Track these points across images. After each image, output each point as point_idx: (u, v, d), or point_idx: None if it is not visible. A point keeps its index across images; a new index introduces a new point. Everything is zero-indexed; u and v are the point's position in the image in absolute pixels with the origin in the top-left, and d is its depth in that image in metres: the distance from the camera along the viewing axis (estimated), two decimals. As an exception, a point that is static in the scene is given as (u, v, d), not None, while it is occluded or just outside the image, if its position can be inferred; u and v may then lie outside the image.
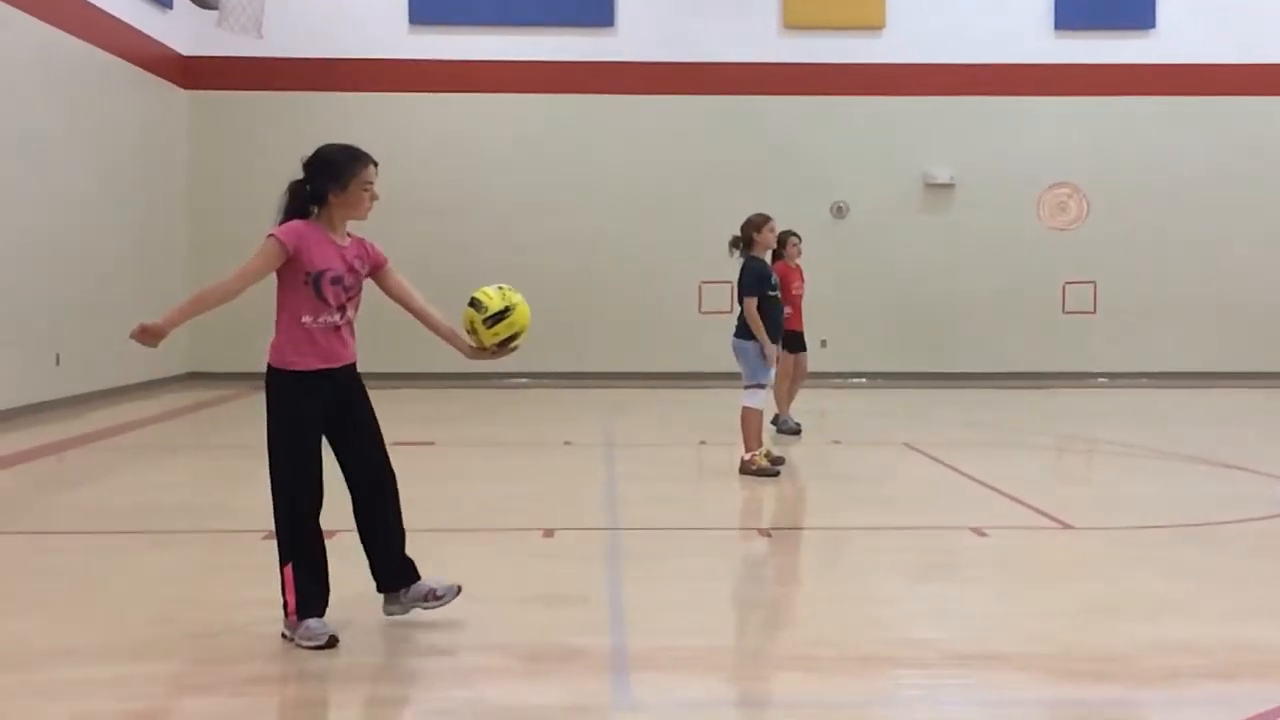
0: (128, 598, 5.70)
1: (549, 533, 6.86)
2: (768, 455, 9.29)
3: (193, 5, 15.09)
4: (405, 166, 16.69)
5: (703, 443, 10.99)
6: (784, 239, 11.68)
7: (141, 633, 5.07)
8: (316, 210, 4.93)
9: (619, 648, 4.91)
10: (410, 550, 5.16)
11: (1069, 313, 17.83)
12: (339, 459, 5.06)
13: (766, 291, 9.06)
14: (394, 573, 5.11)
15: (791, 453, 10.63)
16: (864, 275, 17.58)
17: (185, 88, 17.32)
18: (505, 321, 5.01)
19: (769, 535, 7.50)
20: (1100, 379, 17.47)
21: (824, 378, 15.81)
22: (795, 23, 17.52)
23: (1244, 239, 17.57)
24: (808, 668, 4.75)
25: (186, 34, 17.00)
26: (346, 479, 5.06)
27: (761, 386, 9.09)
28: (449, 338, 5.19)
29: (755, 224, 9.20)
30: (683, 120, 17.54)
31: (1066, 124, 17.58)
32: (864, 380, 17.27)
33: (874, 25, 17.53)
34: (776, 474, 9.11)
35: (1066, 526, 7.41)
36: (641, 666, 4.69)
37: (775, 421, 11.64)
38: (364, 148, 5.09)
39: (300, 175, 4.97)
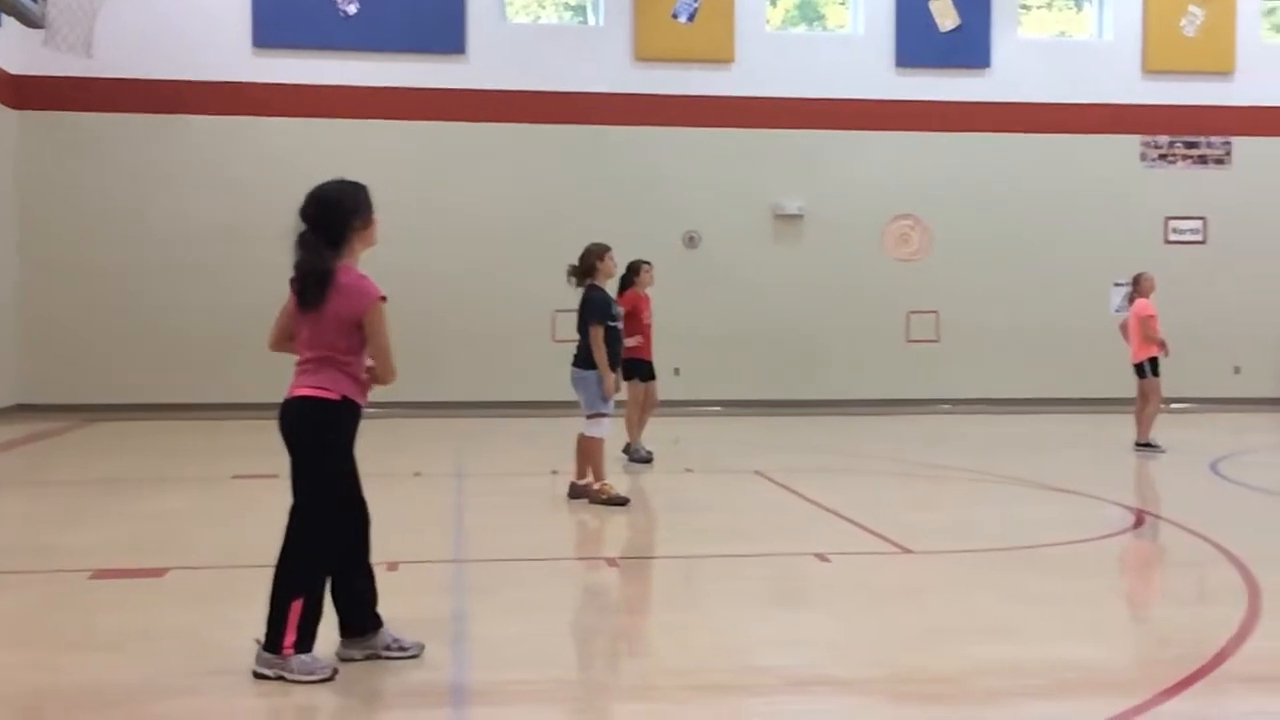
0: (-61, 644, 5.40)
1: (393, 566, 6.71)
2: (602, 488, 9.24)
3: (21, 24, 14.52)
4: (250, 192, 16.33)
5: (554, 472, 10.92)
6: (636, 267, 11.75)
7: (-48, 681, 4.81)
8: (335, 253, 4.89)
9: (458, 683, 4.84)
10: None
11: (913, 341, 18.32)
12: None
13: (608, 321, 9.09)
14: (371, 613, 5.08)
15: (643, 481, 10.67)
16: (716, 304, 17.78)
17: (14, 108, 16.64)
18: None
19: (616, 565, 7.49)
20: (944, 405, 17.97)
21: (677, 406, 15.91)
22: (647, 55, 17.70)
23: (1075, 270, 18.29)
24: (651, 698, 4.75)
25: (16, 52, 16.33)
26: None
27: (604, 415, 9.10)
28: None
29: (596, 253, 9.23)
30: (535, 149, 17.54)
31: (908, 158, 18.10)
32: (717, 408, 17.44)
33: (724, 59, 17.83)
34: (626, 502, 9.11)
35: (906, 551, 7.57)
36: (482, 701, 4.64)
37: (627, 450, 11.65)
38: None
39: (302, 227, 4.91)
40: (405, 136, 17.29)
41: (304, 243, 4.87)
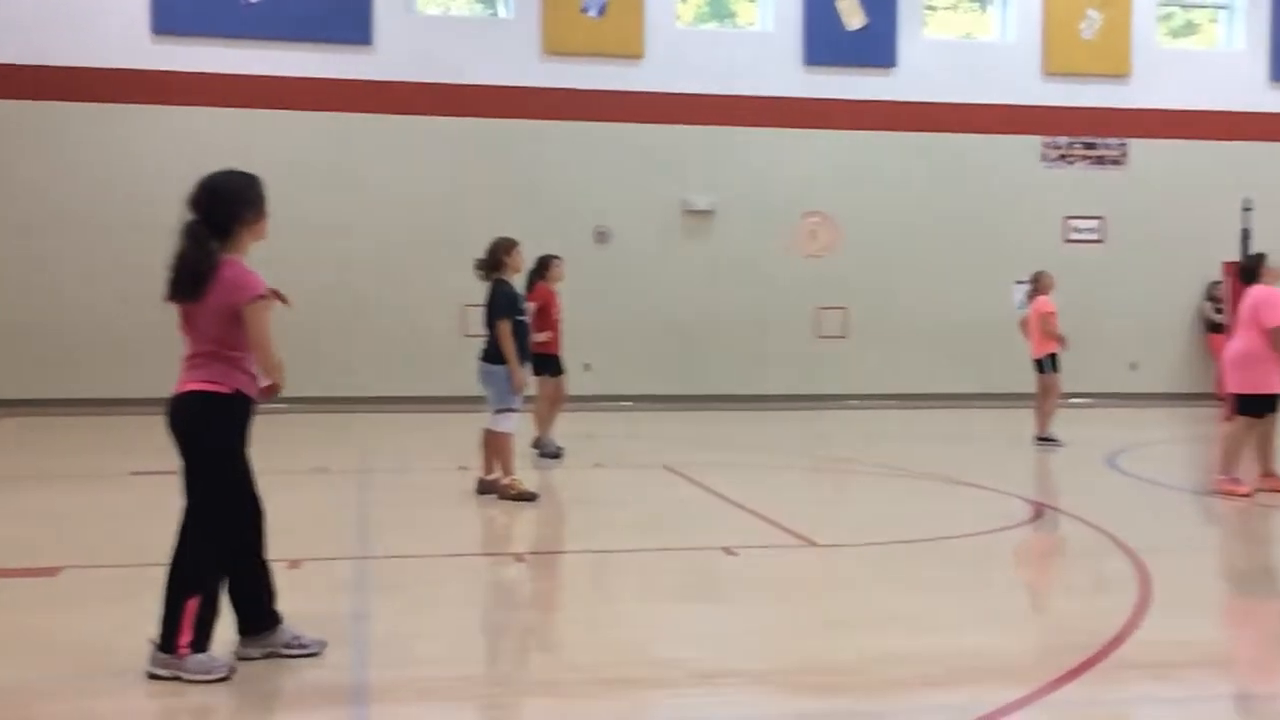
0: None
1: (295, 563, 6.63)
2: (510, 483, 9.19)
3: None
4: (151, 182, 15.91)
5: (463, 468, 10.85)
6: (547, 262, 11.77)
7: None
8: (221, 245, 4.76)
9: (360, 681, 4.78)
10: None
11: (823, 337, 18.48)
12: None
13: (516, 316, 9.05)
14: (268, 611, 4.99)
15: (552, 476, 10.66)
16: (628, 300, 17.78)
17: (-97, 92, 16.08)
18: None
19: (524, 560, 7.46)
20: (852, 401, 18.17)
21: (589, 401, 15.91)
22: (555, 49, 17.62)
23: (979, 267, 18.57)
24: (555, 693, 4.75)
25: (-95, 36, 15.78)
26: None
27: (514, 410, 9.06)
28: None
29: (504, 247, 9.18)
30: (444, 142, 17.38)
31: (817, 155, 18.25)
32: (629, 404, 17.45)
33: (633, 54, 17.82)
34: (535, 497, 9.08)
35: (812, 544, 7.65)
36: (384, 699, 4.59)
37: (537, 444, 11.62)
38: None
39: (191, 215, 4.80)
40: (309, 127, 17.02)
41: (189, 233, 4.75)
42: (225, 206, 4.79)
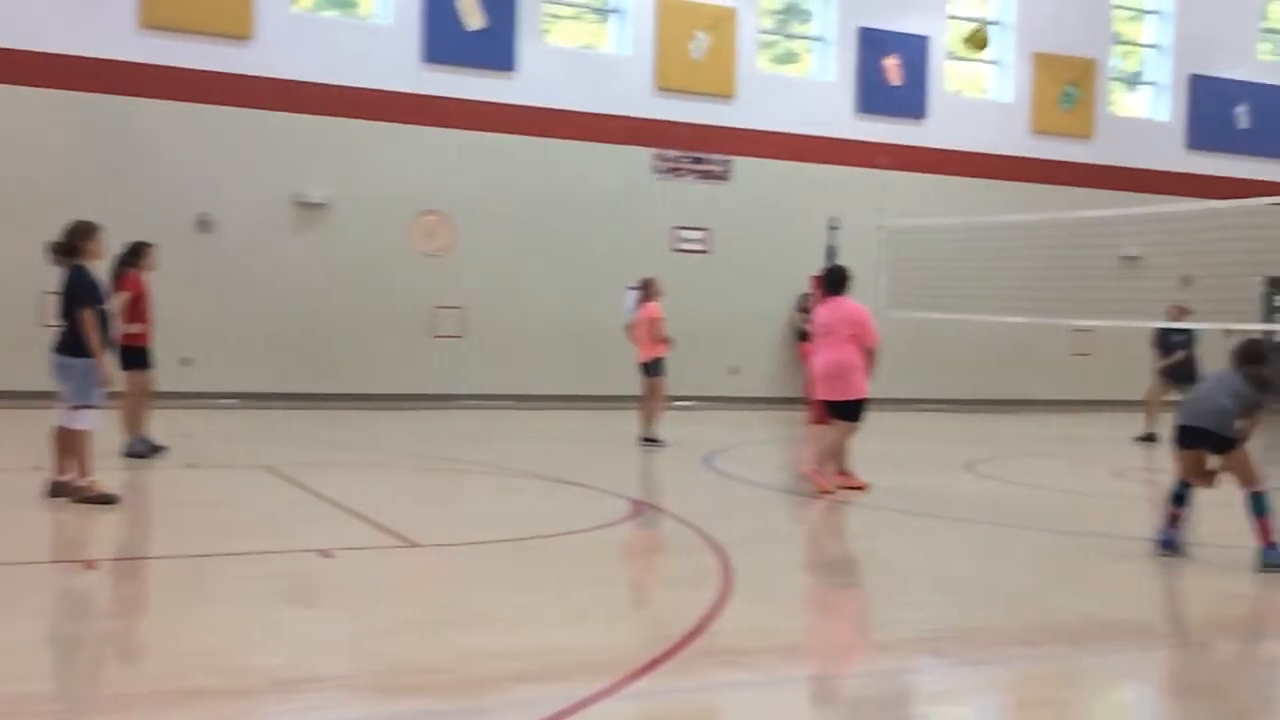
0: None
1: None
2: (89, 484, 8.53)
3: None
4: None
5: (37, 468, 9.94)
6: (141, 249, 11.16)
7: None
8: None
9: (-119, 708, 4.23)
10: None
11: (440, 336, 18.36)
12: None
13: (99, 304, 8.40)
14: None
15: (140, 477, 10.03)
16: (233, 293, 16.93)
17: None
18: None
19: (97, 567, 6.89)
20: (467, 401, 18.16)
21: (191, 399, 15.07)
22: (154, 21, 16.48)
23: (593, 272, 18.95)
24: (123, 707, 4.43)
25: None
26: None
27: (93, 406, 8.39)
28: None
29: (83, 232, 8.51)
30: (24, 114, 15.85)
31: (436, 153, 18.12)
32: (234, 402, 16.63)
33: (240, 35, 16.97)
34: (115, 500, 8.43)
35: (413, 545, 7.54)
36: (-90, 727, 4.08)
37: (129, 443, 10.87)
38: None
39: None
40: None
41: None
42: None
